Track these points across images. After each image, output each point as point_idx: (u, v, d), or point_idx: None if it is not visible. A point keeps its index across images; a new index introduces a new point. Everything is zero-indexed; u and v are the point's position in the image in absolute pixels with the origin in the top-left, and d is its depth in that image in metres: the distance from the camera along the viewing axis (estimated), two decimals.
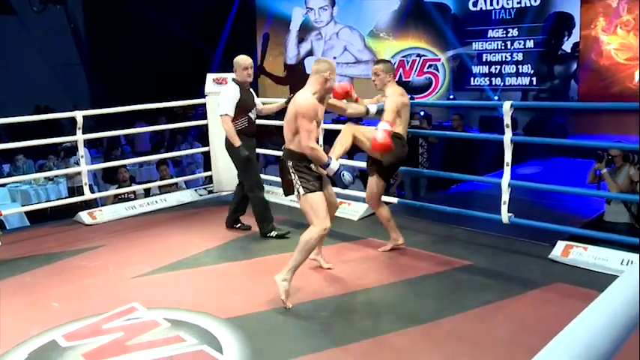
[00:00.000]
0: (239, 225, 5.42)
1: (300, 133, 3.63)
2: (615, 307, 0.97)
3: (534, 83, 11.89)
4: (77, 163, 6.88)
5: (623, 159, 5.66)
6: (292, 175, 3.71)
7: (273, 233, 5.09)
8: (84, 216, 5.81)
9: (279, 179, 7.09)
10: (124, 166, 7.60)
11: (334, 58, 15.23)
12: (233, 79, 5.19)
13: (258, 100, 5.43)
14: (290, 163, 3.73)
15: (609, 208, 5.80)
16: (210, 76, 6.54)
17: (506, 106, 4.57)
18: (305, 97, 3.69)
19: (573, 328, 0.89)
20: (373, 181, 4.61)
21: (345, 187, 3.81)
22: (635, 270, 1.11)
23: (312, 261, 4.16)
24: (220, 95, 5.19)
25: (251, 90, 5.31)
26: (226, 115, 5.04)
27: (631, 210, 5.59)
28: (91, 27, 16.02)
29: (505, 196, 4.62)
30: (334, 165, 3.70)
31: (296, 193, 3.72)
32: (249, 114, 5.17)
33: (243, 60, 5.14)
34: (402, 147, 4.54)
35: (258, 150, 7.57)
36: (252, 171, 5.19)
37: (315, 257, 4.21)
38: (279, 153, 8.39)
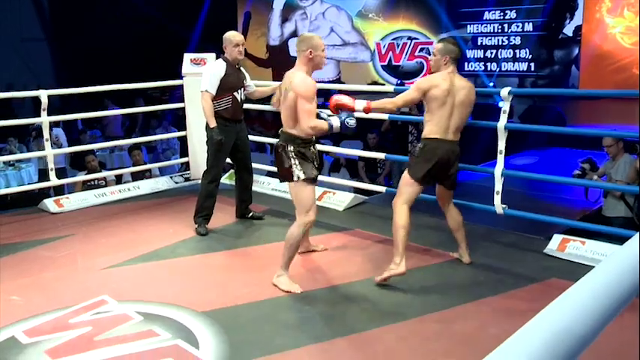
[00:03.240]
0: (250, 214, 5.42)
1: (300, 115, 3.73)
2: (589, 295, 1.00)
3: (532, 69, 11.95)
4: (55, 144, 6.75)
5: (630, 150, 5.63)
6: (293, 159, 3.80)
7: (196, 226, 5.05)
8: (49, 203, 5.76)
9: (258, 166, 7.11)
10: (93, 153, 7.54)
11: None
12: (222, 57, 5.12)
13: (251, 82, 5.36)
14: (291, 148, 3.82)
15: (607, 201, 5.88)
16: (187, 57, 6.51)
17: (504, 92, 4.61)
18: (302, 79, 3.78)
19: (544, 316, 0.92)
20: (405, 178, 4.13)
21: (354, 131, 4.04)
22: (612, 259, 1.15)
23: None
24: (204, 70, 5.15)
25: (242, 69, 5.25)
26: (206, 91, 4.95)
27: (629, 204, 5.66)
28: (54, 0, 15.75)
29: (498, 186, 4.66)
30: (335, 122, 3.82)
31: (295, 178, 3.79)
32: (235, 94, 5.07)
33: (233, 36, 5.06)
34: (434, 151, 4.04)
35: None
36: (218, 159, 5.11)
37: (307, 249, 4.44)
38: (262, 139, 8.43)
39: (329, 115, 3.90)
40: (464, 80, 4.15)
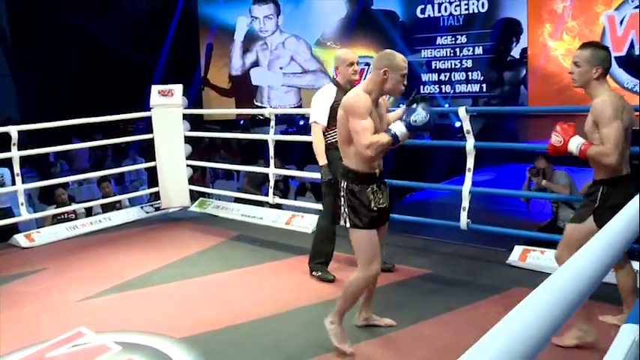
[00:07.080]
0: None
1: (353, 137, 3.02)
2: (544, 304, 1.05)
3: (484, 90, 12.25)
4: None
5: None
6: (342, 199, 3.12)
7: (316, 273, 4.38)
8: (20, 238, 5.63)
9: (226, 193, 7.06)
10: (63, 187, 7.40)
11: (281, 68, 15.33)
12: (332, 81, 4.33)
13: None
14: (343, 184, 3.12)
15: (559, 214, 5.99)
16: (155, 88, 6.48)
17: (462, 111, 4.69)
18: (354, 94, 3.12)
19: (505, 324, 0.96)
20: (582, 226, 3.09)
21: (429, 127, 3.06)
22: (566, 268, 1.20)
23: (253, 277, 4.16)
24: (314, 98, 4.36)
25: None
26: (315, 122, 4.21)
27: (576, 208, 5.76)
28: (17, 35, 15.50)
29: (465, 203, 4.72)
30: (398, 128, 3.03)
31: (342, 222, 3.14)
32: None
33: (345, 54, 4.26)
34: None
35: (210, 164, 7.46)
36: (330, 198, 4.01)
37: (368, 322, 3.54)
38: (228, 166, 8.39)
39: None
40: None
